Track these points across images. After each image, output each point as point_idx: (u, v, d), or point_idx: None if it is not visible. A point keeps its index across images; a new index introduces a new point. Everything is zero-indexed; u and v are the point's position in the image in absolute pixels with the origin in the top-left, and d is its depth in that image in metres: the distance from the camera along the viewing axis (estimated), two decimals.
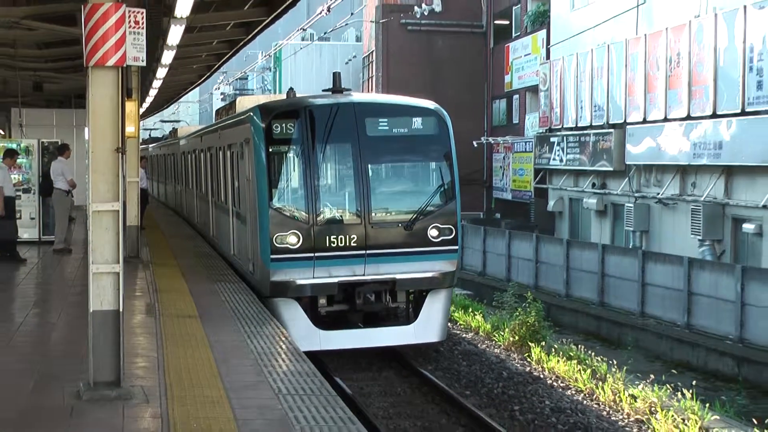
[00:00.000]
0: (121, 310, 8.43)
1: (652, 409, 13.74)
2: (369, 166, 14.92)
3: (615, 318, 22.87)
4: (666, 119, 25.24)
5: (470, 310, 22.08)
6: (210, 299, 14.31)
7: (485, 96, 43.84)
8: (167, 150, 35.57)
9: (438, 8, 37.36)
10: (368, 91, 46.57)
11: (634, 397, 14.24)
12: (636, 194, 27.17)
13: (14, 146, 21.13)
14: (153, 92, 31.48)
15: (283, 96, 17.22)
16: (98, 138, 8.40)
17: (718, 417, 13.79)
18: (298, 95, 16.96)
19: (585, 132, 30.18)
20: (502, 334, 18.64)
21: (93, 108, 8.41)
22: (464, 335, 19.21)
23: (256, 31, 21.03)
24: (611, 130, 28.28)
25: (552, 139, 32.74)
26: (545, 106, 33.94)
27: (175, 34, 16.62)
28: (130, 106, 18.88)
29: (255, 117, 15.06)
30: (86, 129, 9.59)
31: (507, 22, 42.17)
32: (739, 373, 18.56)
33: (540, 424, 13.34)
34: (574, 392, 14.86)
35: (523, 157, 36.09)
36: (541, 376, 15.86)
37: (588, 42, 30.06)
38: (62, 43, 21.48)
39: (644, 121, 26.42)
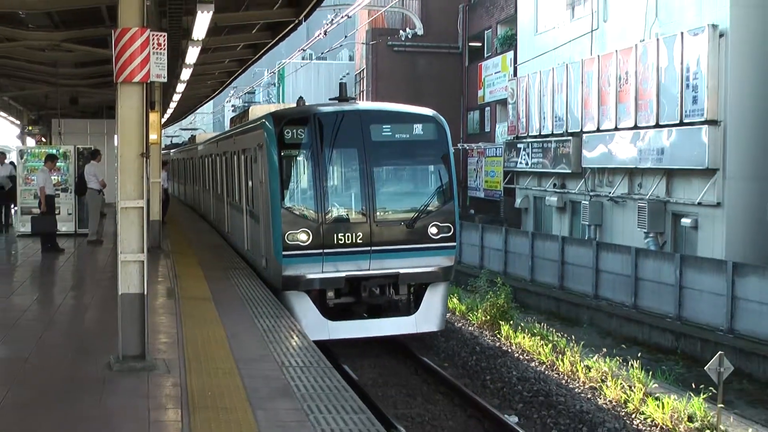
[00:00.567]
0: (145, 293, 8.45)
1: (604, 377, 13.78)
2: (374, 168, 14.36)
3: (573, 300, 22.91)
4: (616, 129, 25.27)
5: None
6: (222, 284, 14.29)
7: (461, 108, 43.78)
8: (186, 154, 35.35)
9: (420, 32, 37.22)
10: None
11: (588, 368, 14.28)
12: (591, 193, 27.20)
13: (54, 152, 21.11)
14: (173, 104, 31.42)
15: (292, 105, 16.72)
16: (126, 144, 8.41)
17: (660, 383, 13.86)
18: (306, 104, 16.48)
19: (547, 139, 30.18)
20: (476, 314, 18.65)
21: (121, 118, 8.42)
22: None
23: (262, 51, 21.06)
24: (570, 137, 28.29)
25: (519, 146, 32.75)
26: (513, 116, 33.93)
27: (193, 54, 16.62)
28: (153, 117, 18.84)
29: (268, 123, 14.55)
30: (115, 136, 9.59)
31: (480, 44, 42.16)
32: (677, 346, 18.63)
33: (508, 392, 13.39)
34: (537, 364, 14.88)
35: (494, 161, 36.07)
36: (509, 350, 15.88)
37: (550, 62, 30.05)
38: (96, 62, 21.47)
39: (598, 130, 26.44)
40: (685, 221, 22.22)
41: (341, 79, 58.14)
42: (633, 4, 25.27)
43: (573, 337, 16.52)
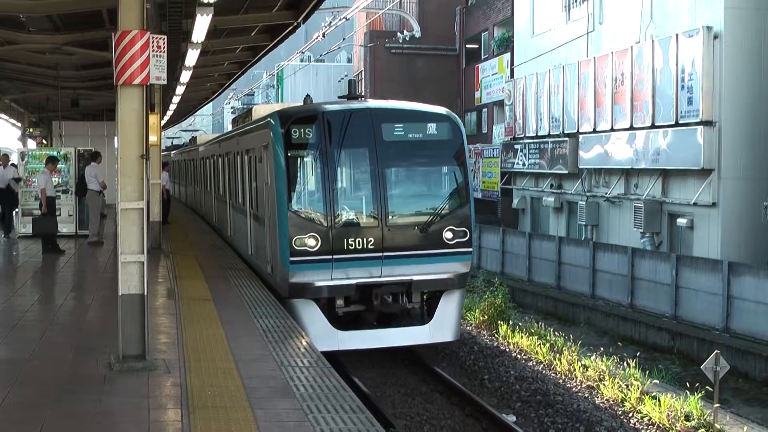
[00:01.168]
0: (145, 293, 8.44)
1: (601, 376, 13.78)
2: (385, 170, 13.42)
3: (570, 299, 22.91)
4: (612, 129, 25.26)
5: None
6: (222, 285, 14.25)
7: (458, 109, 43.78)
8: (188, 156, 35.21)
9: (418, 34, 37.22)
10: None
11: (586, 367, 14.28)
12: (587, 193, 27.20)
13: (55, 153, 21.09)
14: (173, 106, 31.44)
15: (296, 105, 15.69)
16: (126, 146, 8.40)
17: (656, 382, 13.87)
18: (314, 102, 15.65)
19: (544, 140, 30.18)
20: (474, 314, 18.64)
21: (121, 120, 8.41)
22: None
23: (261, 54, 21.08)
24: (566, 138, 28.28)
25: (516, 146, 32.74)
26: (510, 118, 33.92)
27: (192, 57, 16.61)
28: (153, 119, 18.84)
29: (274, 122, 13.63)
30: (116, 138, 9.59)
31: (477, 46, 42.15)
32: (673, 345, 18.63)
33: (505, 391, 13.39)
34: (535, 363, 14.87)
35: (491, 161, 36.06)
36: (507, 349, 15.87)
37: (546, 63, 30.05)
38: (96, 65, 21.47)
39: (594, 131, 26.43)
40: (681, 221, 22.22)
41: (339, 80, 58.31)
42: (628, 7, 25.27)
43: (570, 336, 16.53)
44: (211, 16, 12.84)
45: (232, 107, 74.21)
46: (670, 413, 11.92)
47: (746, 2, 21.26)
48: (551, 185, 30.09)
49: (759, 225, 20.35)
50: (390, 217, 13.28)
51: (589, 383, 13.61)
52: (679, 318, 18.81)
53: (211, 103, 50.37)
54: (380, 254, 13.16)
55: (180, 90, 23.46)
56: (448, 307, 13.73)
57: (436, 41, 43.88)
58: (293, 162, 13.43)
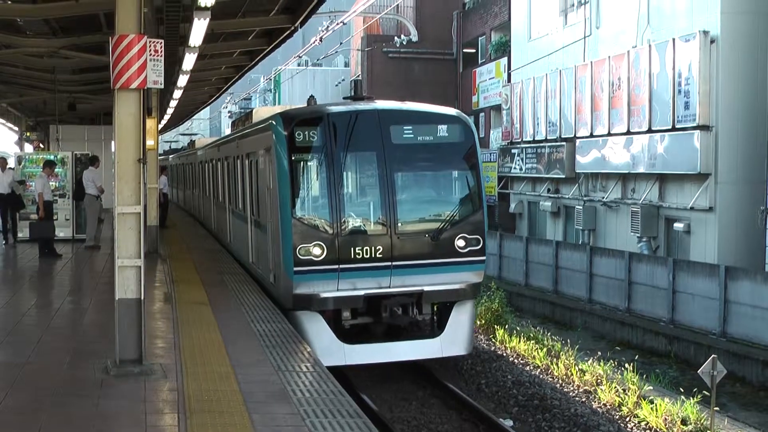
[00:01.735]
0: (142, 298, 8.43)
1: (599, 381, 13.77)
2: (394, 174, 12.70)
3: (567, 304, 22.91)
4: (609, 134, 25.29)
5: None
6: (219, 289, 14.23)
7: None
8: (186, 160, 35.06)
9: (415, 38, 37.37)
10: None
11: (583, 371, 14.27)
12: (584, 198, 27.21)
13: (52, 158, 21.06)
14: (170, 110, 31.42)
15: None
16: (123, 150, 8.40)
17: (650, 388, 13.86)
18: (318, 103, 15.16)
19: (541, 145, 30.20)
20: None
21: (118, 124, 8.41)
22: None
23: (258, 58, 21.08)
24: (563, 143, 28.31)
25: (513, 151, 32.76)
26: (507, 122, 33.96)
27: (189, 61, 16.62)
28: (150, 123, 18.81)
29: (277, 125, 12.91)
30: (113, 142, 9.57)
31: (474, 50, 42.19)
32: (671, 349, 18.63)
33: (503, 395, 13.37)
34: (532, 368, 14.86)
35: (488, 166, 36.07)
36: (504, 354, 15.86)
37: (543, 68, 30.09)
38: (93, 69, 21.48)
39: (591, 136, 26.46)
40: (678, 226, 22.24)
41: (336, 85, 58.39)
42: (625, 11, 25.31)
43: (567, 340, 16.51)
44: (208, 20, 12.85)
45: (229, 111, 74.24)
46: (667, 418, 11.91)
47: (743, 7, 21.31)
48: (548, 190, 30.11)
49: (755, 229, 20.37)
50: (399, 224, 12.62)
51: (586, 388, 13.60)
52: (676, 322, 18.82)
53: (208, 107, 50.40)
54: (389, 263, 12.52)
55: (177, 94, 23.47)
56: (460, 319, 13.07)
57: (433, 45, 43.95)
58: (297, 166, 12.70)
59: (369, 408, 11.54)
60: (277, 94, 70.72)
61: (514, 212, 33.38)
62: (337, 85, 58.90)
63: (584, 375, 14.06)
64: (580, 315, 22.09)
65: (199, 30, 13.61)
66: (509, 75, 35.05)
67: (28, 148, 33.50)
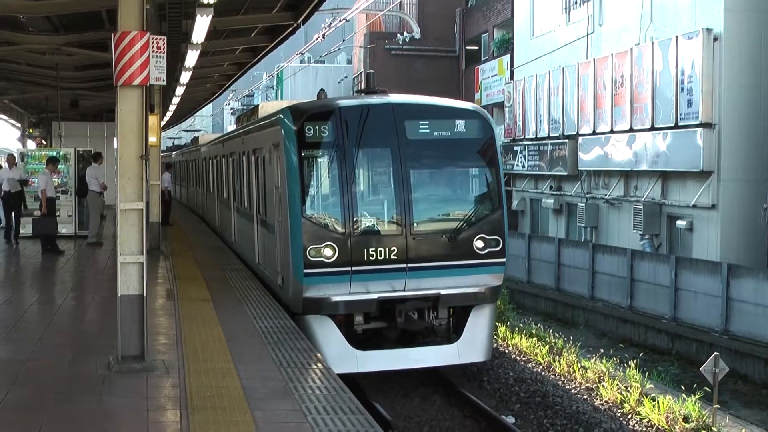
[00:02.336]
0: (144, 294, 8.44)
1: (601, 378, 13.76)
2: (410, 171, 12.04)
3: (569, 301, 22.92)
4: (612, 131, 25.27)
5: None
6: (221, 285, 14.24)
7: None
8: (189, 156, 34.99)
9: (417, 35, 37.23)
10: None
11: (585, 369, 14.25)
12: (587, 195, 27.20)
13: (55, 154, 21.08)
14: (173, 107, 31.43)
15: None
16: (125, 147, 8.40)
17: (655, 385, 13.85)
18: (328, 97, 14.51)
19: (543, 142, 30.19)
20: None
21: (121, 121, 8.41)
22: None
23: (261, 55, 21.09)
24: (566, 140, 28.29)
25: (515, 148, 32.75)
26: (509, 119, 33.93)
27: (192, 58, 16.62)
28: (153, 120, 18.84)
29: (286, 119, 12.27)
30: (115, 139, 9.59)
31: (476, 48, 42.17)
32: (672, 347, 18.64)
33: (505, 392, 13.37)
34: (534, 365, 14.85)
35: None
36: (506, 351, 15.85)
37: (546, 65, 30.06)
38: (96, 66, 21.49)
39: (594, 133, 26.44)
40: (680, 223, 22.23)
41: (339, 82, 58.36)
42: (628, 9, 25.28)
43: (570, 338, 16.51)
44: (210, 16, 12.85)
45: (231, 108, 74.28)
46: (669, 415, 11.91)
47: (746, 4, 21.28)
48: (551, 187, 30.10)
49: (758, 227, 20.36)
50: (415, 224, 11.96)
51: (588, 385, 13.60)
52: (678, 320, 18.82)
53: (210, 104, 50.38)
54: (404, 265, 11.89)
55: (180, 91, 23.47)
56: (478, 324, 12.47)
57: (435, 43, 43.89)
58: (307, 163, 12.04)
59: (371, 405, 11.48)
60: (279, 91, 70.74)
61: (516, 209, 33.36)
62: (339, 82, 58.90)
63: (586, 372, 14.05)
64: (583, 312, 22.09)
65: (201, 27, 13.61)
66: (512, 72, 35.02)
67: (31, 144, 33.53)
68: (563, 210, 29.54)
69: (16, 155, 23.53)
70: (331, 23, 26.29)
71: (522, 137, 32.27)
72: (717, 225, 21.26)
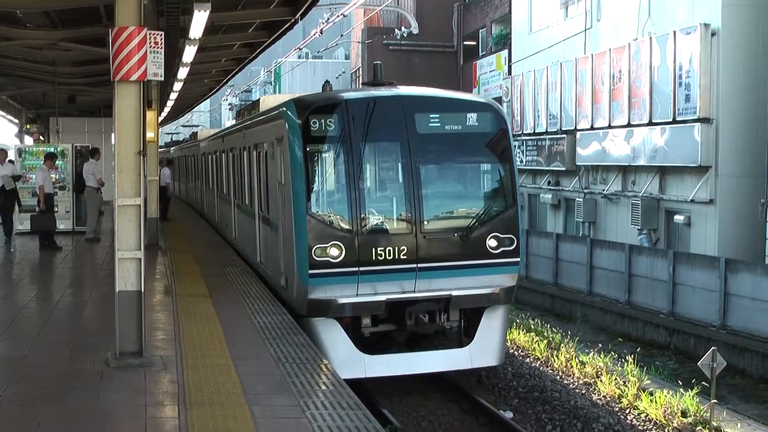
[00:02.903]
0: (142, 290, 8.44)
1: (599, 373, 13.79)
2: (420, 167, 11.56)
3: (567, 296, 22.92)
4: (610, 126, 25.26)
5: None
6: (219, 281, 14.25)
7: None
8: (188, 152, 34.87)
9: (415, 31, 37.17)
10: None
11: (583, 363, 14.29)
12: (585, 190, 27.19)
13: (53, 150, 21.05)
14: (170, 103, 31.40)
15: None
16: (123, 142, 8.40)
17: (652, 380, 13.87)
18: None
19: (541, 137, 30.17)
20: None
21: (118, 117, 8.40)
22: None
23: (258, 50, 21.04)
24: (564, 135, 28.27)
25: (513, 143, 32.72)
26: (507, 114, 33.95)
27: (190, 53, 16.59)
28: (150, 115, 18.81)
29: (289, 112, 11.74)
30: (113, 135, 9.57)
31: (474, 43, 42.14)
32: (670, 342, 18.64)
33: (503, 387, 13.38)
34: (532, 360, 14.88)
35: None
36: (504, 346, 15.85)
37: (544, 60, 30.04)
38: (93, 61, 21.43)
39: (591, 128, 26.42)
40: (678, 218, 22.23)
41: (337, 77, 58.29)
42: (626, 4, 25.25)
43: (567, 333, 16.52)
44: (208, 12, 12.84)
45: (229, 103, 74.22)
46: (666, 409, 11.93)
47: None
48: (549, 182, 30.09)
49: (756, 222, 20.36)
50: (425, 222, 11.50)
51: (586, 380, 13.62)
52: (676, 315, 18.82)
53: (208, 99, 50.36)
54: (414, 266, 11.42)
55: (177, 86, 23.45)
56: (491, 326, 11.98)
57: (433, 38, 43.85)
58: (312, 158, 11.49)
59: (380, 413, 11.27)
60: (277, 86, 70.69)
61: None
62: (337, 78, 58.83)
63: (584, 367, 14.08)
64: (581, 307, 22.10)
65: (199, 22, 13.59)
66: (510, 67, 34.99)
67: (28, 140, 33.49)
68: (561, 205, 29.53)
69: (11, 151, 23.44)
70: (328, 18, 26.26)
71: (520, 132, 32.23)
72: (715, 220, 21.26)
